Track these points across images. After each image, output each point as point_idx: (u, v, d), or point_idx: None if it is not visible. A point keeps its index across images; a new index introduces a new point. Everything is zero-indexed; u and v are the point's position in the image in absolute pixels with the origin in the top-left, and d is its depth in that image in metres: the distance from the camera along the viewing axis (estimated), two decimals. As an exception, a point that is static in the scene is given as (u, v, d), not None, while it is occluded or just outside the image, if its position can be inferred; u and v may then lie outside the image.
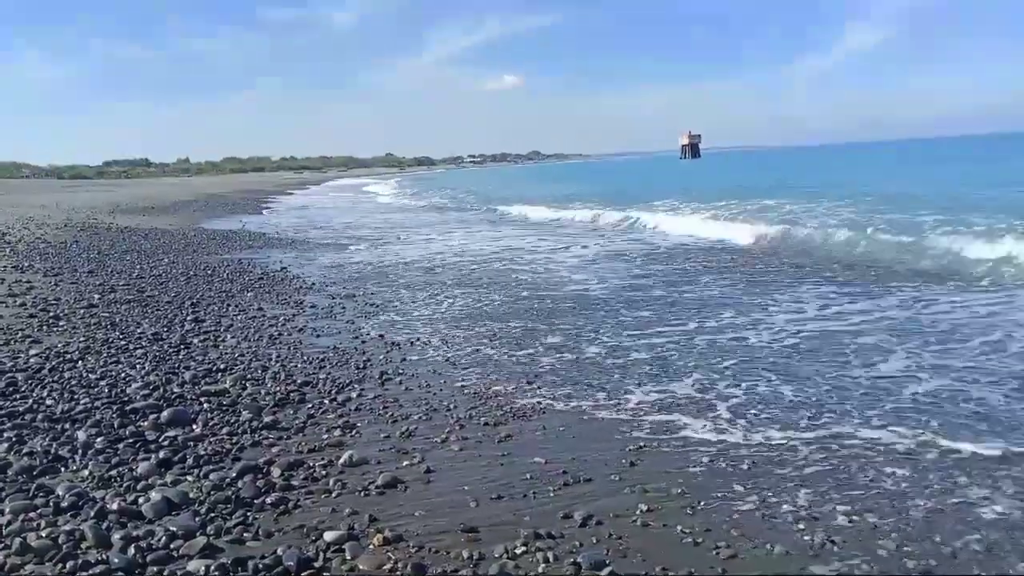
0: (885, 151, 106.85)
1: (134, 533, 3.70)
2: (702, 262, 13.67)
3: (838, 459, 4.66)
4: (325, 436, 5.20)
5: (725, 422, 5.37)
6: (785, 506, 4.06)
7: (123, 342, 7.65)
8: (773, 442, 4.95)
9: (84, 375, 6.40)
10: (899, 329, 7.84)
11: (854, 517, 3.91)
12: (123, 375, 6.44)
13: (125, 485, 4.30)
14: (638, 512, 4.02)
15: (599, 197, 32.72)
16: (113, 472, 4.47)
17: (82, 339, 7.70)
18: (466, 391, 6.23)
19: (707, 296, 10.20)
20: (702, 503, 4.12)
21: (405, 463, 4.74)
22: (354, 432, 5.30)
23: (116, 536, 3.66)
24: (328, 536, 3.72)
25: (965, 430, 5.02)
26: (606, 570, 3.43)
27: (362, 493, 4.30)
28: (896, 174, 42.40)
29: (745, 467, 4.57)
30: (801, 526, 3.84)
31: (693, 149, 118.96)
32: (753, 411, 5.56)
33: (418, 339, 8.09)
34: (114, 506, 3.96)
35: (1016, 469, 4.40)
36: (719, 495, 4.21)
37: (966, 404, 5.53)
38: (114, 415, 5.41)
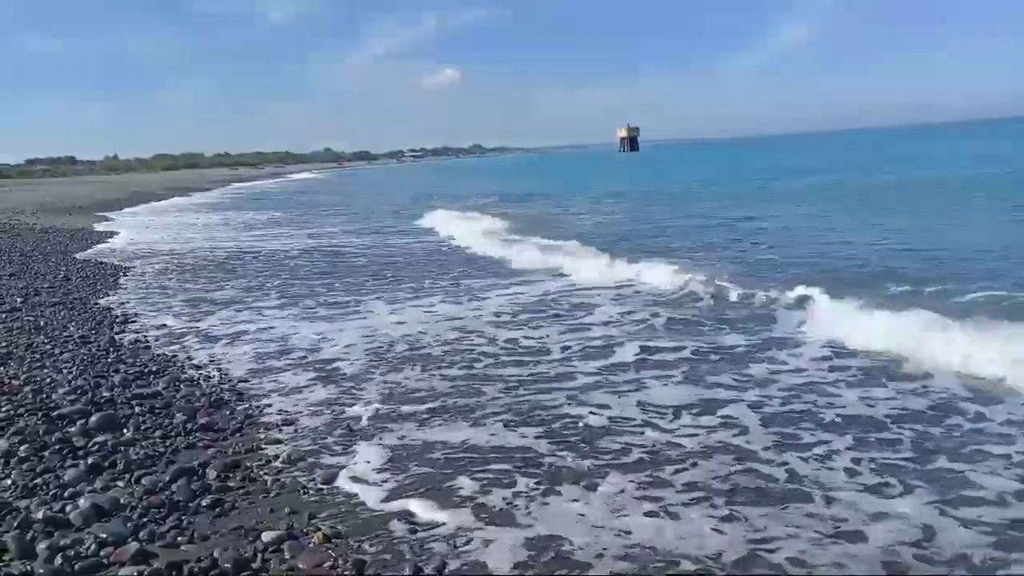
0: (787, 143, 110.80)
1: (61, 542, 3.56)
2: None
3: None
4: (263, 435, 5.10)
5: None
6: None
7: (49, 346, 7.35)
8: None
9: (6, 381, 6.12)
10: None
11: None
12: (48, 380, 6.19)
13: (51, 493, 4.14)
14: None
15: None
16: (39, 480, 4.30)
17: (3, 344, 7.37)
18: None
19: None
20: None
21: (348, 459, 4.69)
22: (294, 430, 5.22)
23: (41, 546, 3.52)
24: (266, 536, 3.66)
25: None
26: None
27: (302, 492, 4.24)
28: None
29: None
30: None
31: (631, 142, 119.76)
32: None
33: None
34: (39, 515, 3.81)
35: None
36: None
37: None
38: (39, 422, 5.20)
